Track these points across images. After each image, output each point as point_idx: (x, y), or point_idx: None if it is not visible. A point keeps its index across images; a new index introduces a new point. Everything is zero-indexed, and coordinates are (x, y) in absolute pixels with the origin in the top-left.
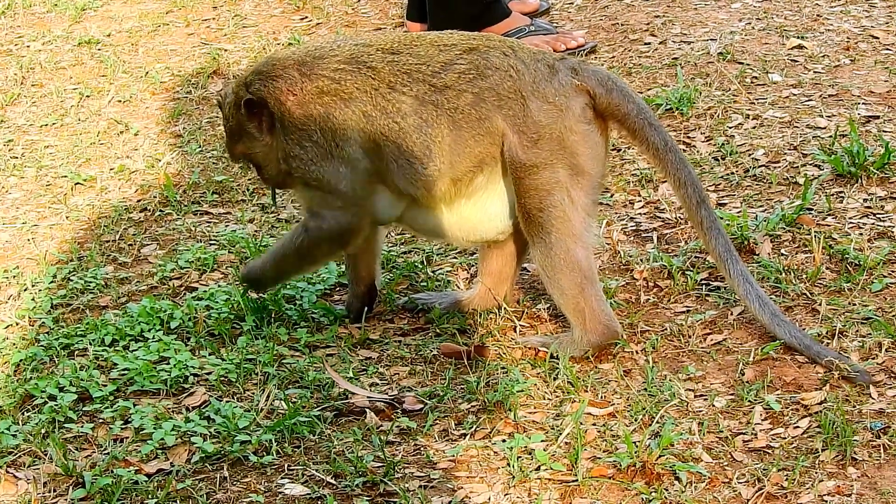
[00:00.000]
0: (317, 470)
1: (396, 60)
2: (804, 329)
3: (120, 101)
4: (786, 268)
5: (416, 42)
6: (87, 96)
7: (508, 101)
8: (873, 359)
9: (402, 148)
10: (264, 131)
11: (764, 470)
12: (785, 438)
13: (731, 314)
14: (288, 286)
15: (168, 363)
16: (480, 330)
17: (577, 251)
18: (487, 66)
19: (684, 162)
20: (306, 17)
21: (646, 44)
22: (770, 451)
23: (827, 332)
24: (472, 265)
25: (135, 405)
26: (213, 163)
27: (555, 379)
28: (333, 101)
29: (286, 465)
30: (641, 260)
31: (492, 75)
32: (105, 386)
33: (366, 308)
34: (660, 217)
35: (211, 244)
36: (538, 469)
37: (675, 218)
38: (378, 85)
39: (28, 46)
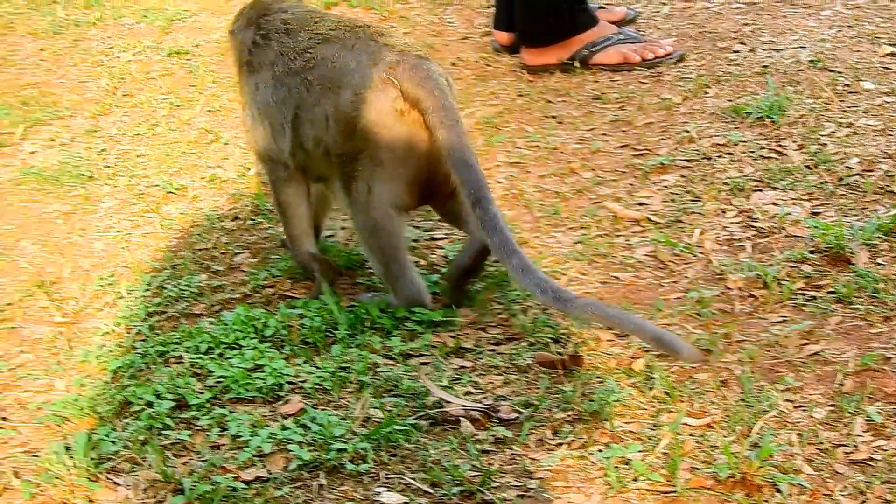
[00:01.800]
0: (413, 478)
1: (283, 40)
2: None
3: (210, 110)
4: (884, 278)
5: (307, 23)
6: (178, 106)
7: (328, 92)
8: None
9: (272, 122)
10: None
11: (867, 482)
12: (887, 451)
13: (829, 324)
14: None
15: (263, 371)
16: (574, 339)
17: (379, 240)
18: (323, 57)
19: (467, 163)
20: (392, 27)
21: (735, 52)
22: (872, 464)
23: None
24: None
25: (231, 412)
26: None
27: (651, 389)
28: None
29: (382, 474)
30: (735, 269)
31: (321, 66)
32: (201, 393)
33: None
34: (753, 226)
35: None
36: (636, 480)
37: (769, 227)
38: (274, 59)
39: (118, 57)
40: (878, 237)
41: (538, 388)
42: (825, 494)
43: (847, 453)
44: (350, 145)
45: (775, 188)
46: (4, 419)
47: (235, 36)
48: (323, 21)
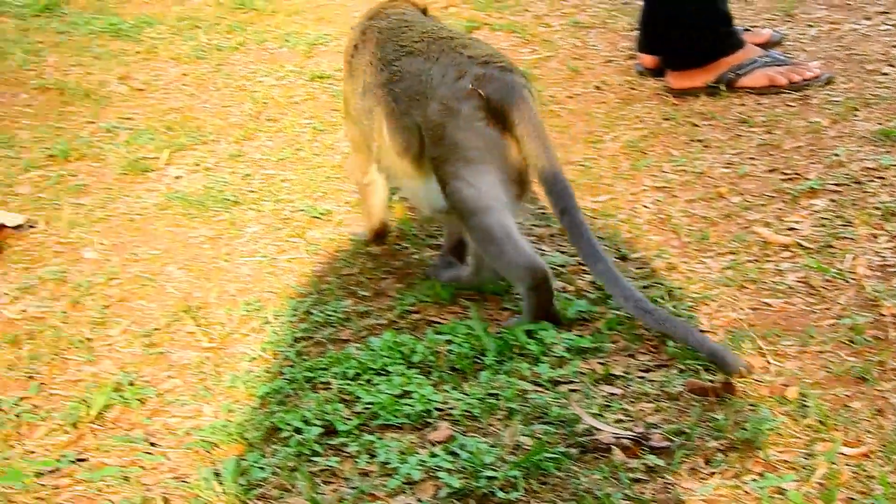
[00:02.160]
0: None
1: (377, 53)
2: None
3: None
4: None
5: (401, 32)
6: (321, 130)
7: (417, 103)
8: None
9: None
10: None
11: None
12: None
13: None
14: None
15: (411, 397)
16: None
17: (486, 221)
18: (408, 69)
19: (554, 174)
20: (535, 50)
21: (883, 74)
22: None
23: None
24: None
25: (379, 439)
26: None
27: (804, 417)
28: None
29: (533, 502)
30: (889, 295)
31: (408, 79)
32: (350, 419)
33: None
34: None
35: None
36: None
37: None
38: (367, 63)
39: (261, 82)
40: None
41: (690, 416)
42: None
43: None
44: (441, 150)
45: None
46: (153, 444)
47: (351, 31)
48: (411, 31)
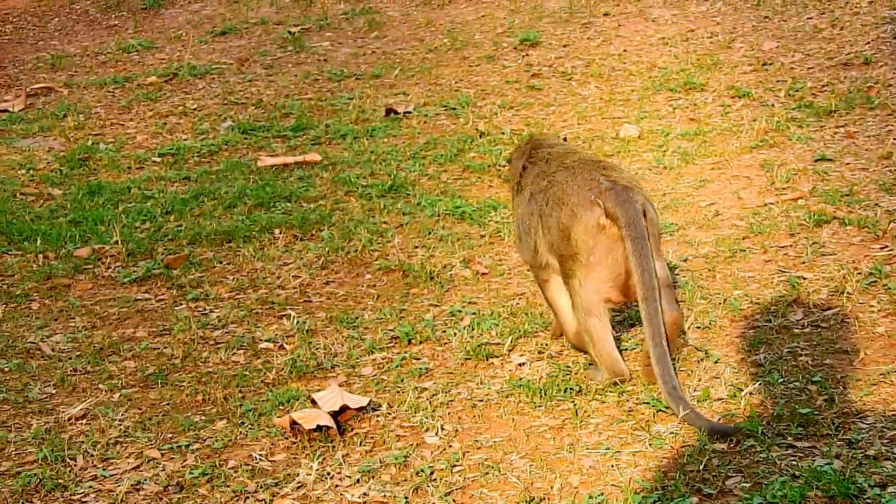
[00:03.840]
0: None
1: (543, 168)
2: None
3: (699, 327)
4: None
5: (558, 155)
6: None
7: (556, 208)
8: None
9: (526, 226)
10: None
11: None
12: None
13: None
14: None
15: None
16: None
17: (587, 322)
18: (556, 180)
19: (645, 266)
20: (886, 247)
21: None
22: None
23: None
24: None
25: None
26: (797, 394)
27: None
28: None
29: None
30: None
31: (554, 187)
32: None
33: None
34: None
35: (796, 479)
36: None
37: None
38: (531, 181)
39: None
40: None
41: None
42: None
43: None
44: (566, 247)
45: None
46: None
47: (512, 164)
48: (569, 155)
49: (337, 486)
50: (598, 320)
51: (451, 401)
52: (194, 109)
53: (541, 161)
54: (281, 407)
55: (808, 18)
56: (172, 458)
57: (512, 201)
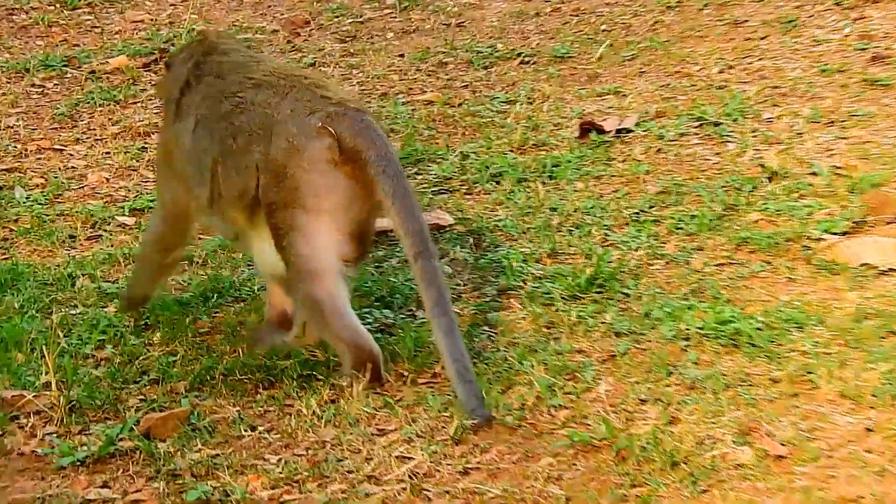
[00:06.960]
0: None
1: (212, 82)
2: None
3: None
4: None
5: (240, 67)
6: None
7: (259, 138)
8: None
9: (190, 169)
10: None
11: None
12: None
13: None
14: None
15: None
16: None
17: (316, 291)
18: (252, 101)
19: (414, 215)
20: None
21: None
22: None
23: None
24: None
25: None
26: None
27: None
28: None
29: None
30: None
31: (252, 110)
32: None
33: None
34: None
35: None
36: None
37: None
38: (201, 102)
39: None
40: None
41: None
42: None
43: None
44: (278, 192)
45: None
46: None
47: (171, 72)
48: (259, 66)
49: None
50: (332, 284)
51: None
52: None
53: (214, 74)
54: None
55: None
56: None
57: (162, 129)
